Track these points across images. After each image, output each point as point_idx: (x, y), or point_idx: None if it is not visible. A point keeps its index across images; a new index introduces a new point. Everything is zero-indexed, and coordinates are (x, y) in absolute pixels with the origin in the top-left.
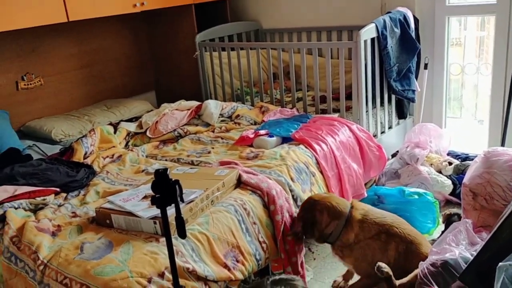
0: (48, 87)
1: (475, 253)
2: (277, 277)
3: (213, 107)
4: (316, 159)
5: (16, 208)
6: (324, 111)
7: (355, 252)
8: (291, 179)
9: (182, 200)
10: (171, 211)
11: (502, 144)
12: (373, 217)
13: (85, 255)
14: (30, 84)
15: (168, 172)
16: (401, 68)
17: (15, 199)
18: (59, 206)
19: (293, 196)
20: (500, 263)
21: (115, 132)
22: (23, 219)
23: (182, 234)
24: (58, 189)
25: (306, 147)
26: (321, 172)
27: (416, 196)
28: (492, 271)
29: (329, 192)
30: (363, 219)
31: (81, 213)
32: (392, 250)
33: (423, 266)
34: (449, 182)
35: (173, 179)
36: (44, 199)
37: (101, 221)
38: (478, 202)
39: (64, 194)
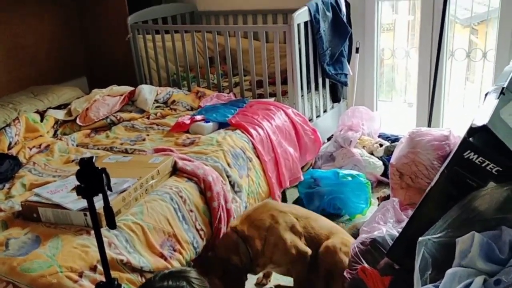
0: None
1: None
2: (166, 271)
3: (147, 93)
4: (253, 143)
5: None
6: (261, 96)
7: (269, 253)
8: (228, 164)
9: (110, 189)
10: (101, 202)
11: (429, 125)
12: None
13: (10, 251)
14: None
15: (94, 159)
16: (333, 52)
17: None
18: None
19: (230, 182)
20: (420, 238)
21: (42, 121)
22: None
23: (112, 224)
24: None
25: (242, 132)
26: (258, 157)
27: (350, 178)
28: (415, 246)
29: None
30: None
31: (6, 207)
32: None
33: (353, 245)
34: (380, 163)
35: (100, 168)
36: None
37: (28, 215)
38: (404, 181)
39: None
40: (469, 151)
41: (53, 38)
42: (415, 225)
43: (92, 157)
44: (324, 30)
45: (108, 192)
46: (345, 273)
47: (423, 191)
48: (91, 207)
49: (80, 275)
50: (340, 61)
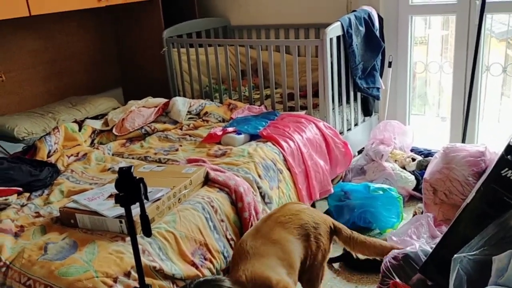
0: (10, 83)
1: (434, 246)
2: (201, 279)
3: (181, 104)
4: (284, 156)
5: None
6: (292, 109)
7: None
8: (259, 176)
9: (147, 198)
10: (136, 209)
11: (463, 141)
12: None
13: (49, 255)
14: None
15: (132, 169)
16: (366, 66)
17: None
18: (22, 206)
19: (260, 193)
20: (455, 255)
21: (80, 130)
22: None
23: (147, 232)
24: (20, 189)
25: (273, 144)
26: (289, 169)
27: (381, 192)
28: (449, 263)
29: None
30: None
31: (45, 213)
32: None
33: (385, 259)
34: (412, 177)
35: (137, 177)
36: (6, 199)
37: (65, 221)
38: (438, 197)
39: (27, 194)
40: (507, 169)
41: (92, 51)
42: (449, 242)
43: (130, 167)
44: (356, 45)
45: (144, 201)
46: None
47: (457, 207)
48: (128, 215)
49: (115, 280)
50: (372, 75)
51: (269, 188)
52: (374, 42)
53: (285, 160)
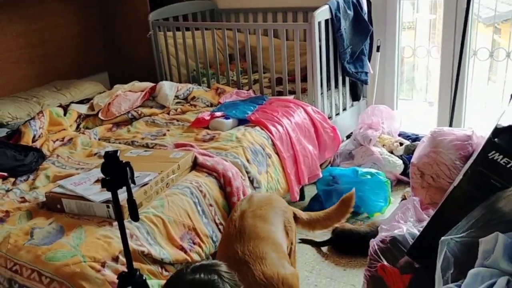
0: None
1: (421, 229)
2: (197, 264)
3: (168, 89)
4: (272, 140)
5: None
6: (280, 93)
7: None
8: (247, 160)
9: (134, 182)
10: (124, 194)
11: (450, 125)
12: None
13: (35, 240)
14: None
15: (118, 154)
16: (354, 51)
17: None
18: (7, 191)
19: (249, 177)
20: (443, 237)
21: (65, 115)
22: None
23: (135, 216)
24: (5, 174)
25: (262, 129)
26: (277, 154)
27: (369, 176)
28: (436, 245)
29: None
30: None
31: (31, 198)
32: None
33: (373, 243)
34: (400, 162)
35: (124, 161)
36: None
37: (52, 206)
38: (425, 181)
39: (12, 179)
40: (494, 152)
41: (76, 34)
42: (436, 225)
43: (116, 151)
44: (344, 28)
45: (131, 185)
46: (364, 271)
47: (444, 190)
48: (115, 200)
49: (103, 265)
50: (360, 59)
51: (258, 172)
52: (362, 26)
53: (273, 144)
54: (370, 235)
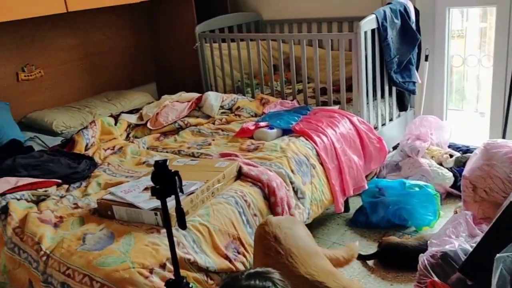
0: (48, 78)
1: (474, 245)
2: (252, 270)
3: (214, 99)
4: (317, 151)
5: (18, 200)
6: (324, 103)
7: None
8: (292, 171)
9: (182, 191)
10: (171, 202)
11: (503, 137)
12: None
13: (87, 246)
14: (31, 75)
15: (167, 163)
16: (401, 60)
17: (17, 191)
18: (61, 197)
19: (293, 188)
20: (498, 254)
21: (115, 124)
22: (25, 210)
23: (183, 225)
24: (59, 181)
25: (306, 139)
26: (322, 164)
27: (417, 189)
28: (491, 262)
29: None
30: None
31: (83, 204)
32: None
33: (423, 258)
34: (450, 174)
35: (172, 170)
36: (45, 191)
37: (103, 212)
38: (478, 194)
39: (66, 186)
40: None
41: (127, 46)
42: (491, 240)
43: (166, 160)
44: (391, 38)
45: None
46: (413, 286)
47: (498, 205)
48: (164, 208)
49: (151, 271)
50: (408, 68)
51: (302, 183)
52: (410, 35)
53: (318, 155)
54: (419, 249)
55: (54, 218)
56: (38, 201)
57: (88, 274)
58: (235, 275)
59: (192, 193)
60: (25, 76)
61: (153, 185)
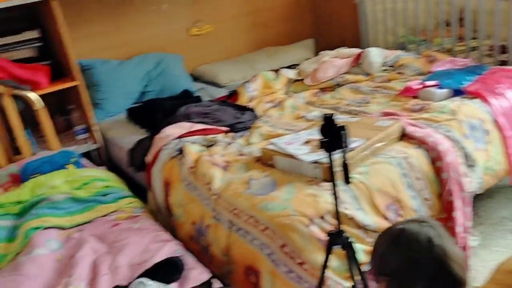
0: (216, 33)
1: None
2: (420, 218)
3: (375, 55)
4: (493, 115)
5: (192, 143)
6: (504, 63)
7: None
8: (463, 135)
9: (347, 146)
10: (332, 157)
11: None
12: None
13: (252, 190)
14: (201, 30)
15: (334, 117)
16: None
17: (191, 135)
18: (228, 144)
19: (463, 154)
20: None
21: (275, 79)
22: (198, 153)
23: (347, 180)
24: (227, 129)
25: (481, 102)
26: (499, 131)
27: None
28: None
29: None
30: None
31: (247, 152)
32: None
33: None
34: None
35: (338, 125)
36: (214, 137)
37: (265, 161)
38: None
39: (231, 134)
40: None
41: (288, 3)
42: None
43: (332, 114)
44: None
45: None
46: None
47: None
48: (330, 162)
49: (311, 221)
50: None
51: (474, 149)
52: None
53: (494, 120)
54: None
55: (223, 162)
56: (208, 145)
57: (254, 216)
58: (405, 220)
59: (352, 150)
60: (197, 31)
61: (313, 139)
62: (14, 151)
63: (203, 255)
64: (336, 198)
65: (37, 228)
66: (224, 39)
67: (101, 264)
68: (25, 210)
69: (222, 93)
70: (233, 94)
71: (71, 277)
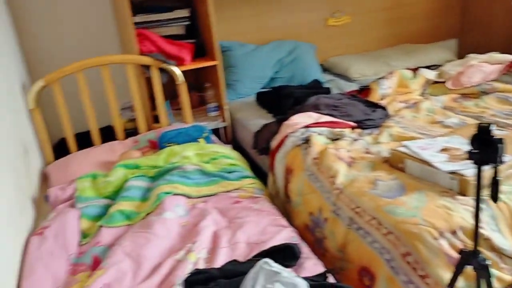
0: (353, 25)
1: None
2: None
3: None
4: None
5: (318, 134)
6: None
7: None
8: None
9: (501, 162)
10: (472, 170)
11: None
12: None
13: (378, 191)
14: (339, 21)
15: (491, 128)
16: None
17: (318, 126)
18: (354, 140)
19: None
20: None
21: (413, 78)
22: (324, 145)
23: (495, 197)
24: (355, 124)
25: None
26: None
27: None
28: None
29: None
30: None
31: (374, 151)
32: None
33: None
34: None
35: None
36: (341, 131)
37: (394, 163)
38: None
39: (359, 130)
40: None
41: None
42: None
43: (490, 124)
44: None
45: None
46: None
47: None
48: (478, 175)
49: (441, 234)
50: None
51: None
52: None
53: None
54: None
55: (348, 158)
56: (334, 138)
57: (377, 218)
58: None
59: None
60: (334, 21)
61: (452, 147)
62: (154, 119)
63: (316, 247)
64: (477, 215)
65: (168, 193)
66: (360, 32)
67: (221, 236)
68: (160, 175)
69: (351, 87)
70: (364, 89)
71: (194, 244)
